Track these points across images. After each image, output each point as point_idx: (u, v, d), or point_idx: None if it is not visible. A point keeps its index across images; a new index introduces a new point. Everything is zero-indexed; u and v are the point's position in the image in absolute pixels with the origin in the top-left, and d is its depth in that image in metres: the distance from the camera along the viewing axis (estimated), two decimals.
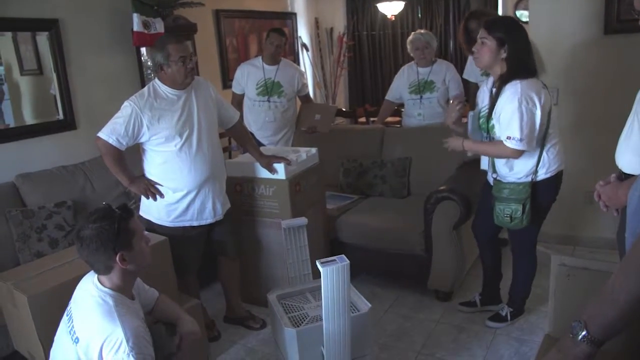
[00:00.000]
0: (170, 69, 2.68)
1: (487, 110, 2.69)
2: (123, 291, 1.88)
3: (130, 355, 1.70)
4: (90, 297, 1.84)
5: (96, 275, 1.89)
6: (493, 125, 2.65)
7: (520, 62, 2.53)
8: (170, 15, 4.04)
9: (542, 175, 2.67)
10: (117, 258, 1.81)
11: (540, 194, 2.69)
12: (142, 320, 1.90)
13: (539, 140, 2.60)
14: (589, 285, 1.47)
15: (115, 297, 1.84)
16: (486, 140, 2.73)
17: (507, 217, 2.70)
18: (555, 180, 2.73)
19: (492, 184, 2.80)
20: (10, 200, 3.15)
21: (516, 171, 2.68)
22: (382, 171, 3.99)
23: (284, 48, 4.20)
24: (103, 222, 1.80)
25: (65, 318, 1.90)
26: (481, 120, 2.74)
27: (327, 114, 4.45)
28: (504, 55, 2.54)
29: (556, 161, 2.69)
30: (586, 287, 1.49)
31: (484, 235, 3.04)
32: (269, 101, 4.18)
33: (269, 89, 4.16)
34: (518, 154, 2.57)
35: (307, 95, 4.51)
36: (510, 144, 2.52)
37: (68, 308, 1.91)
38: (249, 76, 4.19)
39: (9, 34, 3.40)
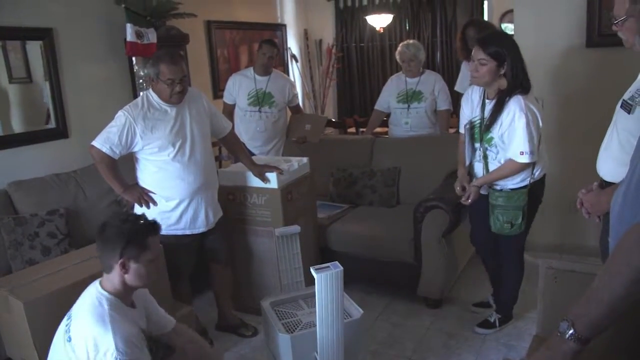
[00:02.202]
0: (158, 85, 2.73)
1: (479, 120, 2.77)
2: (122, 297, 1.92)
3: None
4: (89, 297, 1.89)
5: (100, 280, 1.94)
6: (491, 138, 2.71)
7: (519, 77, 2.61)
8: (162, 26, 4.07)
9: (535, 177, 2.77)
10: (120, 262, 1.85)
11: (534, 197, 2.79)
12: (137, 327, 1.91)
13: None
14: (576, 286, 1.53)
15: (111, 302, 1.87)
16: (479, 150, 2.80)
17: (507, 224, 2.75)
18: (543, 182, 2.85)
19: (485, 192, 2.85)
20: (3, 208, 3.16)
21: (511, 179, 2.74)
22: (372, 181, 4.04)
23: (275, 59, 4.26)
24: (124, 224, 1.88)
25: (65, 318, 1.93)
26: (475, 131, 2.80)
27: (317, 124, 4.50)
28: (502, 72, 2.62)
29: (545, 165, 2.82)
30: (573, 288, 1.54)
31: (484, 243, 3.08)
32: (260, 111, 4.23)
33: (260, 100, 4.21)
34: (528, 166, 2.68)
35: (298, 105, 4.56)
36: (523, 159, 2.62)
37: (71, 309, 1.94)
38: (241, 86, 4.24)
39: None
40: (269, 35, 6.41)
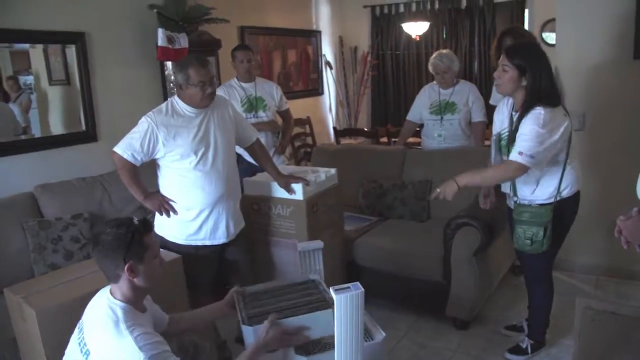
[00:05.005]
0: (188, 90, 2.67)
1: (507, 133, 2.66)
2: (133, 303, 1.87)
3: None
4: (100, 307, 1.85)
5: (109, 288, 1.89)
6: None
7: (542, 91, 2.48)
8: (195, 31, 4.05)
9: (564, 195, 2.62)
10: (126, 268, 1.81)
11: (563, 215, 2.64)
12: (152, 329, 1.87)
13: (554, 163, 2.58)
14: (616, 329, 1.39)
15: (124, 309, 1.82)
16: None
17: (527, 240, 2.63)
18: (575, 200, 2.70)
19: (512, 207, 2.73)
20: (28, 211, 3.17)
21: (538, 194, 2.63)
22: (402, 193, 3.92)
23: (253, 61, 4.09)
24: (119, 230, 1.82)
25: (76, 330, 1.89)
26: (502, 143, 2.70)
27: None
28: (524, 83, 2.51)
29: (576, 182, 2.66)
30: (613, 331, 1.40)
31: None
32: (255, 117, 4.07)
33: (253, 105, 4.09)
34: (522, 171, 2.49)
35: (288, 110, 4.34)
36: (520, 159, 2.44)
37: (80, 321, 1.90)
38: (231, 97, 3.97)
39: (40, 46, 3.51)
40: (304, 42, 6.37)
